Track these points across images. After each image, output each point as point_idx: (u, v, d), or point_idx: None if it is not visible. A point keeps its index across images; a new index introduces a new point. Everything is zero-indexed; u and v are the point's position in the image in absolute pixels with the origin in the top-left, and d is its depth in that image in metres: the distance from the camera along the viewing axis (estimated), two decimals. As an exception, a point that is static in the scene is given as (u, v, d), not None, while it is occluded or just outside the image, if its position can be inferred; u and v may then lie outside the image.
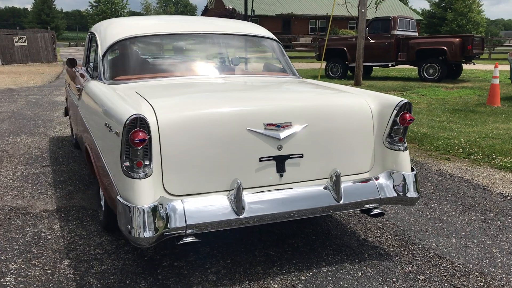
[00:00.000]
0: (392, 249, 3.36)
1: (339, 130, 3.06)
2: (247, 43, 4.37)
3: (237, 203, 2.68)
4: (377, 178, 3.11)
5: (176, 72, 3.89)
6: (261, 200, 2.79)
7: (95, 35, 4.27)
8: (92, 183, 4.74)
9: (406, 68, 19.82)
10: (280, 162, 2.87)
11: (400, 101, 3.08)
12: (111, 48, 3.81)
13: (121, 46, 3.87)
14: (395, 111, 3.08)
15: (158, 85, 3.50)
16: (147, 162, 2.56)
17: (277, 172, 2.88)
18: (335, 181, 2.92)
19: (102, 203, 3.65)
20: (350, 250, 3.31)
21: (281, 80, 3.94)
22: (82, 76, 4.83)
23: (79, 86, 4.42)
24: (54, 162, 5.56)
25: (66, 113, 6.66)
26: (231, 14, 43.88)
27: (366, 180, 3.09)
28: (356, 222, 3.83)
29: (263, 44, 4.32)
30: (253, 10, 15.62)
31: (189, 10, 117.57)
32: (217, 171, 2.76)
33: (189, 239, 2.60)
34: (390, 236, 3.57)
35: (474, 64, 15.03)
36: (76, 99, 4.56)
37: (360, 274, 2.99)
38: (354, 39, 15.77)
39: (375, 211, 3.07)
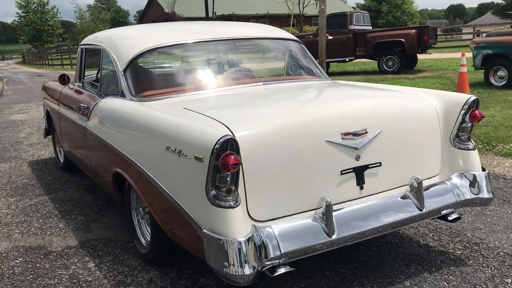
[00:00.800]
0: (459, 252, 3.22)
1: (410, 134, 2.89)
2: (273, 47, 4.11)
3: (328, 223, 2.44)
4: (449, 181, 2.95)
5: (212, 82, 3.56)
6: (348, 217, 2.56)
7: (103, 48, 3.85)
8: (103, 210, 4.32)
9: (359, 62, 20.12)
10: (360, 173, 2.66)
11: (469, 98, 2.95)
12: (132, 61, 3.43)
13: (144, 58, 3.50)
14: (463, 109, 2.94)
15: (204, 99, 3.18)
16: (233, 188, 2.26)
17: (357, 184, 2.67)
18: (417, 189, 2.74)
19: (140, 234, 3.30)
20: (420, 259, 3.14)
21: (321, 84, 3.70)
22: (79, 92, 4.40)
23: (84, 105, 3.99)
24: (48, 189, 5.05)
25: (47, 134, 6.12)
26: (171, 17, 43.15)
27: (440, 184, 2.93)
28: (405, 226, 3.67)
29: (289, 46, 4.08)
30: (214, 12, 15.20)
31: (121, 16, 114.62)
32: (300, 189, 2.51)
33: (283, 270, 2.33)
34: (449, 238, 3.44)
35: (430, 54, 15.45)
36: (79, 119, 4.11)
37: (446, 284, 2.82)
38: (312, 36, 15.78)
39: (453, 216, 2.92)
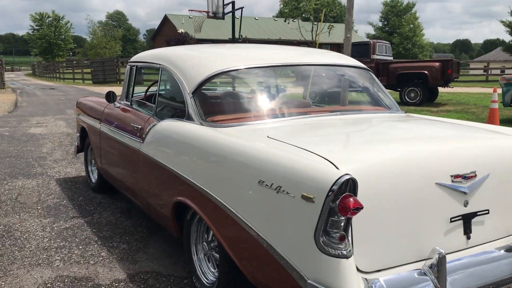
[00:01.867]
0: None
1: None
2: (347, 75, 3.89)
3: (440, 278, 2.15)
4: None
5: (286, 110, 3.31)
6: (457, 271, 2.28)
7: (164, 67, 3.62)
8: (146, 238, 4.03)
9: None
10: (467, 221, 2.40)
11: None
12: (203, 84, 3.20)
13: (210, 83, 3.27)
14: None
15: (287, 128, 2.93)
16: (345, 235, 1.99)
17: (464, 233, 2.40)
18: None
19: (200, 271, 3.03)
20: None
21: (400, 117, 3.46)
22: (129, 112, 4.16)
23: (137, 126, 3.74)
24: (82, 211, 4.77)
25: (78, 151, 5.87)
26: (183, 38, 43.43)
27: None
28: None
29: (360, 75, 3.85)
30: (240, 35, 15.10)
31: (131, 34, 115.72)
32: (408, 236, 2.25)
33: None
34: None
35: (452, 87, 15.30)
36: (129, 140, 3.84)
37: None
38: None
39: None
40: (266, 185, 2.22)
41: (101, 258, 3.65)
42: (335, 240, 1.97)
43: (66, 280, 3.27)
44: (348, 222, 1.98)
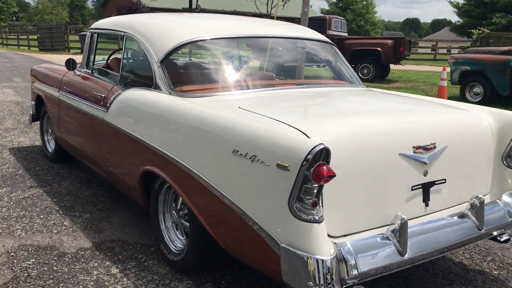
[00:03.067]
0: (496, 272, 3.18)
1: (469, 151, 2.81)
2: (309, 49, 3.96)
3: (401, 242, 2.30)
4: (500, 200, 2.89)
5: (254, 82, 3.35)
6: (417, 236, 2.43)
7: (129, 35, 3.57)
8: (109, 208, 4.02)
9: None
10: (426, 190, 2.56)
11: None
12: (172, 53, 3.19)
13: (183, 50, 3.27)
14: None
15: (255, 99, 2.98)
16: (317, 201, 2.09)
17: (423, 201, 2.56)
18: (478, 208, 2.64)
19: (169, 239, 3.07)
20: (460, 278, 3.08)
21: (363, 91, 3.59)
22: (90, 80, 4.08)
23: (100, 94, 3.68)
24: (39, 181, 4.67)
25: (33, 120, 5.69)
26: (135, 6, 42.05)
27: (492, 204, 2.86)
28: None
29: (323, 49, 3.94)
30: (198, 5, 14.71)
31: (79, 0, 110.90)
32: (373, 203, 2.38)
33: None
34: (480, 257, 3.40)
35: (403, 65, 15.75)
36: (92, 109, 3.79)
37: (496, 306, 2.76)
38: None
39: (504, 237, 2.85)
40: (241, 154, 2.28)
41: (64, 227, 3.62)
42: (308, 206, 2.07)
43: (30, 249, 3.23)
44: (320, 189, 2.08)
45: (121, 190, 3.74)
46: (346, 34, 16.69)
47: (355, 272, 2.14)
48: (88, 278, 2.88)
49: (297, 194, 2.06)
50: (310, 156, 2.00)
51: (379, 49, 14.64)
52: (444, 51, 31.42)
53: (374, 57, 14.96)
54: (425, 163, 2.51)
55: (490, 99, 10.60)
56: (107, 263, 3.08)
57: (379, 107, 3.10)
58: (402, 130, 2.52)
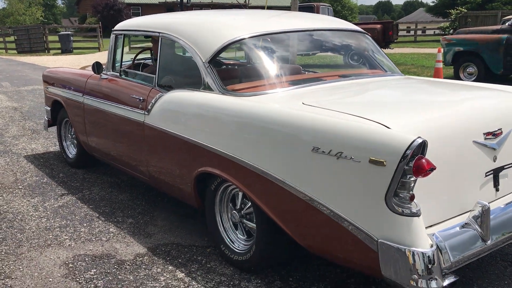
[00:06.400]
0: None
1: None
2: (350, 39, 3.98)
3: (484, 229, 2.34)
4: None
5: (305, 76, 3.39)
6: (494, 221, 2.46)
7: (166, 35, 3.51)
8: (149, 211, 3.98)
9: (322, 55, 20.27)
10: (496, 175, 2.61)
11: None
12: (219, 52, 3.17)
13: (232, 48, 3.25)
14: None
15: (315, 93, 2.99)
16: (413, 195, 2.12)
17: (494, 186, 2.61)
18: None
19: (229, 240, 3.09)
20: None
21: (405, 79, 3.64)
22: (121, 83, 4.02)
23: (138, 97, 3.63)
24: (69, 189, 4.59)
25: (50, 125, 5.59)
26: (113, 2, 41.41)
27: None
28: None
29: (361, 40, 3.95)
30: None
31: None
32: (454, 192, 2.42)
33: (453, 279, 2.19)
34: None
35: (392, 48, 15.86)
36: (129, 113, 3.73)
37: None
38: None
39: None
40: (323, 151, 2.28)
41: (112, 234, 3.58)
42: (405, 200, 2.09)
43: (87, 259, 3.19)
44: (415, 182, 2.09)
45: (168, 193, 3.70)
46: (333, 21, 16.73)
47: (448, 262, 2.17)
48: (157, 285, 2.85)
49: (395, 189, 2.07)
50: (409, 151, 2.02)
51: (369, 34, 14.67)
52: (419, 32, 31.68)
53: (364, 42, 15.00)
54: (494, 149, 2.56)
55: (484, 78, 10.76)
56: (170, 267, 3.06)
57: (442, 96, 3.10)
58: (473, 118, 2.56)
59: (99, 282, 2.90)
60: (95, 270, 3.04)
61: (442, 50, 11.19)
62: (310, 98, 2.83)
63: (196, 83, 3.21)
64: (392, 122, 2.24)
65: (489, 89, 3.31)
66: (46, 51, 25.80)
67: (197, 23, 3.60)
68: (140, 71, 4.17)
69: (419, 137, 2.05)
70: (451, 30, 23.05)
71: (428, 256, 2.06)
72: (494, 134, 2.55)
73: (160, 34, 3.59)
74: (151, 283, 2.87)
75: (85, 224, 3.75)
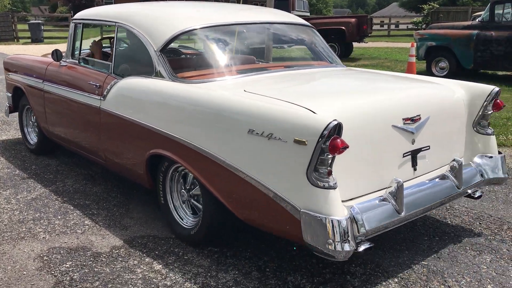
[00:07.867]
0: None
1: (447, 120, 3.19)
2: (292, 32, 4.21)
3: (398, 202, 2.63)
4: (473, 162, 3.30)
5: (249, 66, 3.64)
6: (408, 196, 2.75)
7: (122, 25, 3.67)
8: (125, 203, 3.96)
9: (298, 48, 20.35)
10: (414, 156, 2.93)
11: (493, 89, 3.28)
12: (171, 41, 3.36)
13: (181, 39, 3.50)
14: (487, 99, 3.26)
15: (257, 82, 3.20)
16: (332, 170, 2.40)
17: (412, 166, 2.92)
18: (457, 170, 3.02)
19: (178, 217, 3.33)
20: (486, 248, 3.25)
21: (345, 71, 3.90)
22: (80, 70, 4.11)
23: (95, 83, 3.74)
24: (42, 180, 4.52)
25: (11, 111, 5.53)
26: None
27: (467, 165, 3.24)
28: (444, 211, 3.79)
29: (305, 32, 4.18)
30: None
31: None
32: (373, 170, 2.71)
33: (367, 245, 2.46)
34: (496, 227, 3.59)
35: (366, 42, 16.03)
36: (86, 98, 3.85)
37: None
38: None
39: (477, 194, 3.25)
40: (257, 133, 2.50)
41: (87, 226, 3.55)
42: (324, 175, 2.37)
43: (62, 252, 3.16)
44: (333, 159, 2.37)
45: (122, 174, 3.86)
46: (308, 14, 16.83)
47: (363, 230, 2.44)
48: (134, 277, 2.85)
49: (314, 164, 2.30)
50: (326, 132, 2.28)
51: (343, 28, 14.82)
52: (393, 26, 32.11)
53: (339, 36, 15.15)
54: (412, 133, 2.84)
55: (455, 73, 11.00)
56: (147, 259, 3.06)
57: (370, 85, 3.41)
58: (393, 105, 2.87)
59: (75, 274, 2.88)
60: (70, 263, 3.01)
61: (415, 44, 11.37)
62: (252, 86, 3.02)
63: (149, 71, 3.37)
64: (318, 108, 2.46)
65: (420, 80, 3.60)
66: (15, 40, 25.15)
67: (151, 14, 3.75)
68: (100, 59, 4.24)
69: (335, 119, 2.31)
70: (424, 25, 23.42)
71: (342, 223, 2.33)
72: (412, 120, 2.83)
73: (116, 24, 3.75)
74: (128, 275, 2.87)
75: (59, 217, 3.71)
